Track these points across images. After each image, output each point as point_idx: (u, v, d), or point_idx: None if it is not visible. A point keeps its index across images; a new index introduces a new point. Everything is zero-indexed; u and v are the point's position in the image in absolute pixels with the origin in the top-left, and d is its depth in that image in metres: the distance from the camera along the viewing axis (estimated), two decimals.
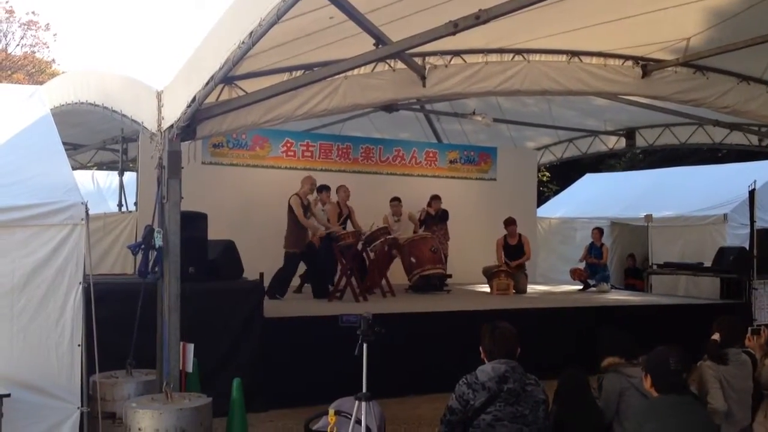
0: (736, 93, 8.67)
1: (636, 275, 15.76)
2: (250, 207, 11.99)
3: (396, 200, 12.48)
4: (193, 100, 5.67)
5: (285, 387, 7.90)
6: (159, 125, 6.06)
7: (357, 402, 3.90)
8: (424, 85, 7.03)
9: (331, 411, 3.86)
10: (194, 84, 5.66)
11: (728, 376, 5.06)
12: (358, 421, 3.88)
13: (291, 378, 7.98)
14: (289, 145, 12.90)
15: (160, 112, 6.07)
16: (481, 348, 4.51)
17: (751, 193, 10.94)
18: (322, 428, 3.99)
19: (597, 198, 17.03)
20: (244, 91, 6.34)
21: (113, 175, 15.13)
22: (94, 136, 13.41)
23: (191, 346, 6.11)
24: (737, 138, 13.37)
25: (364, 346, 4.03)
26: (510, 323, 8.81)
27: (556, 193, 22.96)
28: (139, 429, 5.17)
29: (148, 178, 10.95)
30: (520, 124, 14.69)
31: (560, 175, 23.57)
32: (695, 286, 13.58)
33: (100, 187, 16.22)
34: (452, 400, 4.37)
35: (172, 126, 5.92)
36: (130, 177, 13.17)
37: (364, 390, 3.99)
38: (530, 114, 14.49)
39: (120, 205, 12.54)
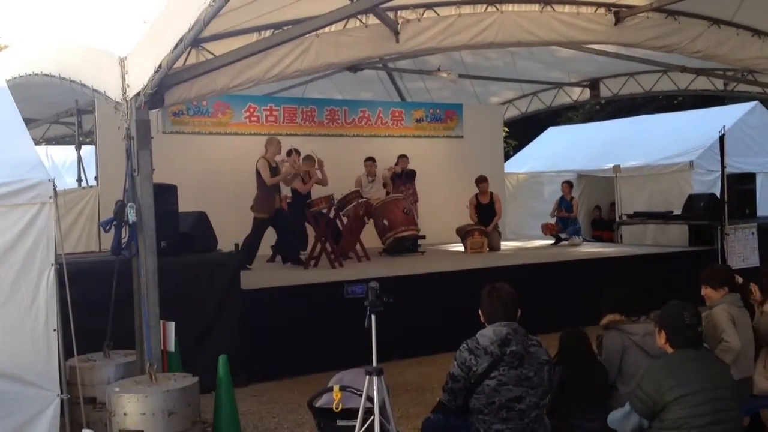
0: (707, 37, 8.63)
1: (603, 227, 15.81)
2: (216, 176, 11.64)
3: (370, 160, 12.19)
4: (161, 65, 5.37)
5: (267, 360, 7.72)
6: (124, 94, 5.73)
7: (368, 377, 3.71)
8: (397, 41, 6.80)
9: (336, 387, 3.67)
10: (161, 48, 5.35)
11: (738, 319, 4.96)
12: (370, 398, 3.69)
13: (272, 350, 7.79)
14: (252, 110, 12.54)
15: (124, 79, 5.73)
16: (480, 311, 4.35)
17: (721, 138, 10.92)
18: (326, 405, 3.80)
19: (562, 151, 16.95)
20: (212, 54, 6.03)
21: (68, 150, 14.62)
22: (46, 110, 12.92)
23: (172, 325, 5.88)
24: (702, 84, 13.35)
25: (373, 317, 3.82)
26: (491, 281, 8.75)
27: (516, 149, 22.90)
28: (125, 414, 4.93)
29: (108, 151, 10.60)
30: (485, 79, 14.49)
31: (518, 131, 23.44)
32: (663, 234, 13.64)
33: (55, 163, 15.67)
34: (453, 367, 4.21)
35: (138, 94, 5.59)
36: (86, 151, 12.73)
37: (374, 363, 3.79)
38: (494, 68, 14.30)
39: (79, 180, 12.13)
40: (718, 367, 3.69)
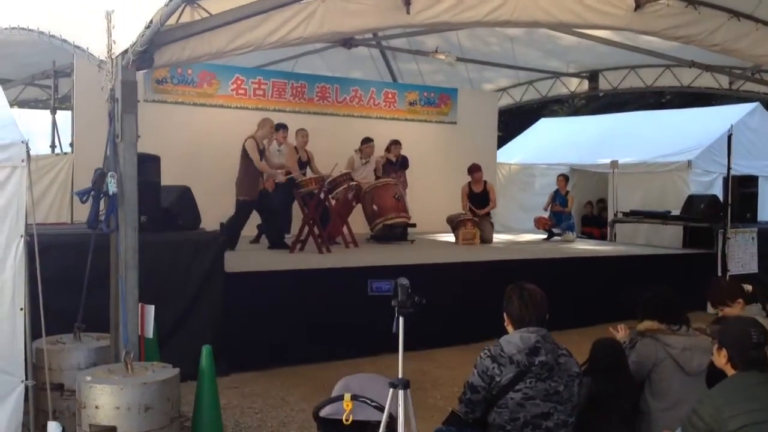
0: (726, 30, 8.22)
1: (594, 223, 15.44)
2: (199, 150, 11.05)
3: (370, 141, 11.59)
4: (152, 20, 4.82)
5: (249, 348, 7.21)
6: (109, 51, 5.16)
7: (392, 390, 3.21)
8: (408, 12, 6.26)
9: (347, 396, 3.17)
10: (153, 1, 4.80)
11: None
12: (392, 415, 3.19)
13: (255, 338, 7.29)
14: (239, 82, 11.93)
15: (110, 35, 5.16)
16: (505, 314, 3.88)
17: (729, 138, 10.54)
18: (334, 416, 3.30)
19: (554, 143, 16.51)
20: (208, 12, 5.47)
21: (42, 115, 13.91)
22: (21, 70, 12.26)
23: (151, 309, 5.35)
24: (706, 81, 12.96)
25: (401, 320, 3.31)
26: (483, 276, 8.33)
27: (501, 140, 22.40)
28: (96, 407, 4.40)
29: (85, 116, 10.01)
30: (483, 64, 14.00)
31: (501, 123, 22.94)
32: (656, 234, 13.29)
33: (29, 130, 14.92)
34: (473, 376, 3.75)
35: (126, 51, 5.04)
36: (61, 117, 12.07)
37: (400, 375, 3.29)
38: (492, 54, 13.84)
39: (53, 146, 11.51)
40: None
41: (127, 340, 5.10)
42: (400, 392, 3.20)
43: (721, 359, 3.25)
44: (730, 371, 3.21)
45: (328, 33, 5.99)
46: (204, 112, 11.59)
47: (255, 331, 7.28)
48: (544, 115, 28.67)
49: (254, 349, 7.25)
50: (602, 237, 14.65)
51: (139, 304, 5.33)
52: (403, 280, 3.34)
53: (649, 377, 4.23)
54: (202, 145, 11.16)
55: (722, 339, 3.26)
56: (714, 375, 4.07)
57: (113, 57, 5.17)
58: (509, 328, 3.85)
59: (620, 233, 13.24)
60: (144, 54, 5.10)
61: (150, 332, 5.39)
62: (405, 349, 7.86)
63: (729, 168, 10.61)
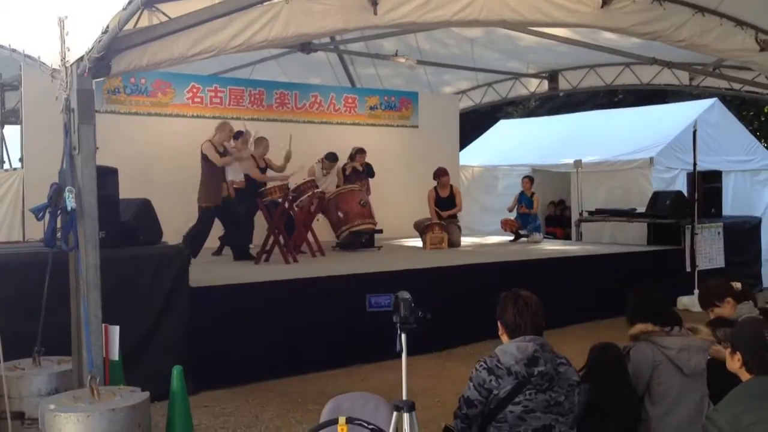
0: (692, 25, 8.22)
1: (557, 223, 15.40)
2: (155, 161, 10.70)
3: (333, 159, 11.35)
4: (109, 26, 4.54)
5: (217, 365, 6.91)
6: (63, 59, 4.88)
7: (396, 413, 2.98)
8: (375, 13, 6.06)
9: (342, 420, 2.94)
10: (110, 6, 4.52)
11: None
12: None
13: (224, 354, 7.00)
14: (195, 90, 11.60)
15: (64, 42, 4.88)
16: (500, 323, 3.68)
17: (694, 134, 10.55)
18: None
19: (515, 145, 16.44)
20: (167, 16, 5.19)
21: None
22: None
23: (116, 329, 5.07)
24: (666, 78, 12.98)
25: (403, 337, 3.07)
26: (453, 282, 8.11)
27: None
28: None
29: (35, 130, 9.64)
30: (443, 66, 13.84)
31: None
32: (621, 232, 13.28)
33: None
34: (469, 389, 3.54)
35: (81, 59, 4.75)
36: (9, 130, 11.60)
37: (404, 396, 3.05)
38: (452, 56, 13.70)
39: (1, 162, 11.05)
40: None
41: (92, 364, 4.80)
42: (406, 415, 2.97)
43: (734, 364, 3.09)
44: (745, 376, 3.04)
45: (293, 35, 5.75)
46: (159, 122, 11.24)
47: (224, 346, 7.00)
48: (500, 118, 28.73)
49: (224, 366, 6.96)
50: (565, 237, 14.64)
51: (103, 325, 5.04)
52: (405, 294, 3.12)
53: (648, 384, 4.07)
54: (159, 157, 10.82)
55: (734, 342, 3.10)
56: (716, 375, 3.94)
57: (68, 65, 4.89)
58: (504, 338, 3.66)
59: (585, 232, 13.18)
60: (101, 61, 4.81)
61: (115, 354, 5.11)
62: (375, 359, 7.74)
63: (695, 164, 10.63)
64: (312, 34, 6.00)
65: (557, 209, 15.78)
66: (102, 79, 5.08)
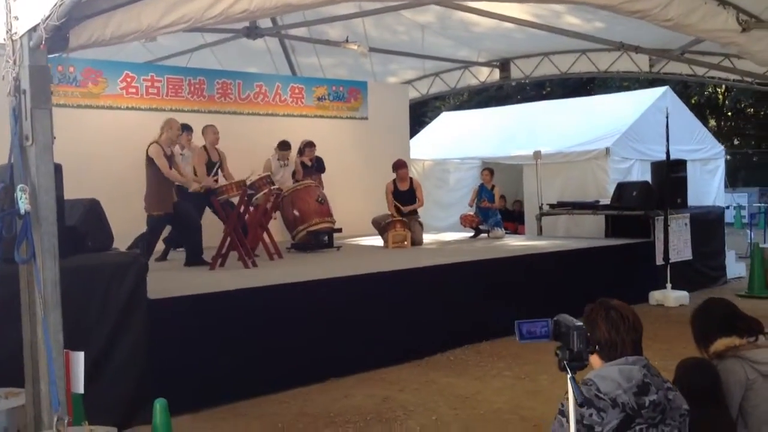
0: (678, 4, 7.84)
1: (511, 218, 14.91)
2: (88, 158, 9.59)
3: (286, 148, 10.65)
4: None
5: (181, 387, 5.99)
6: (10, 29, 3.99)
7: None
8: None
9: None
10: None
11: None
12: None
13: (188, 375, 6.11)
14: (129, 80, 10.57)
15: (10, 11, 3.99)
16: (589, 341, 3.00)
17: (666, 121, 10.19)
18: None
19: (462, 137, 15.87)
20: None
21: None
22: None
23: (80, 356, 4.22)
24: (624, 65, 12.65)
25: (573, 382, 2.33)
26: (424, 284, 7.42)
27: None
28: None
29: None
30: (393, 54, 13.17)
31: None
32: (576, 225, 12.89)
33: None
34: (560, 427, 2.86)
35: (35, 28, 3.87)
36: None
37: None
38: (401, 43, 13.05)
39: None
40: None
41: (56, 400, 3.93)
42: None
43: None
44: None
45: (278, 5, 4.95)
46: (91, 114, 10.19)
47: (188, 365, 6.13)
48: (426, 112, 28.22)
49: (188, 387, 6.07)
50: (518, 232, 14.19)
51: (65, 351, 4.18)
52: (569, 319, 2.40)
53: (741, 406, 3.48)
54: (93, 154, 9.77)
55: None
56: None
57: (14, 38, 4.00)
58: (595, 361, 2.98)
59: (543, 226, 12.73)
60: (59, 31, 3.93)
61: (80, 386, 4.28)
62: (352, 371, 7.02)
63: (668, 152, 10.27)
64: (299, 5, 5.20)
65: (513, 204, 15.30)
66: (57, 54, 4.19)
